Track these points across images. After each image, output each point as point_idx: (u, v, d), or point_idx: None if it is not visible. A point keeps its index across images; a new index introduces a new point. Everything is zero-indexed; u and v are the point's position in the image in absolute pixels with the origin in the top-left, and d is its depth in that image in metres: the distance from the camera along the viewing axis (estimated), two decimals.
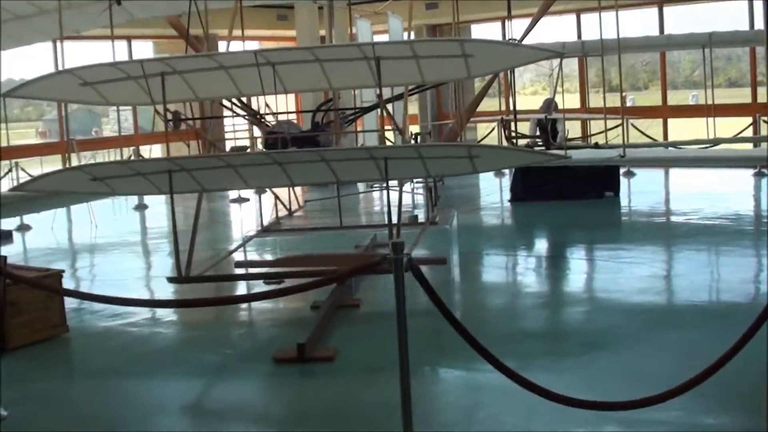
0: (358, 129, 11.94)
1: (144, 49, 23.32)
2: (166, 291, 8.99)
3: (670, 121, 21.54)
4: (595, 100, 30.98)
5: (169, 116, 7.55)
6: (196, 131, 9.10)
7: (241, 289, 9.05)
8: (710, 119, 15.30)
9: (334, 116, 9.64)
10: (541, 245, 11.98)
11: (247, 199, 17.05)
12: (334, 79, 7.60)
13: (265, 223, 10.41)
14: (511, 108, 15.95)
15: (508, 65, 7.69)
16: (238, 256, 9.28)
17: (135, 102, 7.56)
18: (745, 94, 20.57)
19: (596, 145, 15.06)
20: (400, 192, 8.06)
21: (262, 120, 9.76)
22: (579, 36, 21.50)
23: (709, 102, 15.50)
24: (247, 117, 9.77)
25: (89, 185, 6.93)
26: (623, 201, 14.74)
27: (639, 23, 21.48)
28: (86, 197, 12.76)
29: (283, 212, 10.29)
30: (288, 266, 8.31)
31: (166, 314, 8.17)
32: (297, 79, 7.53)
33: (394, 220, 7.51)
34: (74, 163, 14.59)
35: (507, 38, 11.31)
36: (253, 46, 21.13)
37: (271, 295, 6.30)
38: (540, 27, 20.73)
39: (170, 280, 7.49)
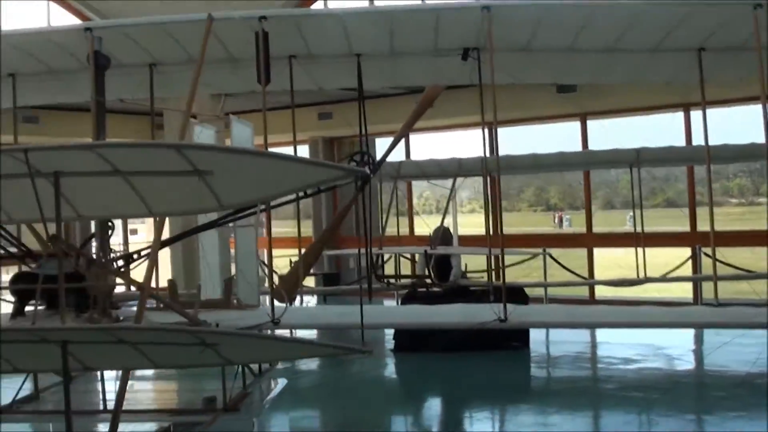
0: None
1: None
2: None
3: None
4: (533, 219, 28.16)
5: None
6: None
7: None
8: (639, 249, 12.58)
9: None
10: (428, 426, 8.62)
11: None
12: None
13: None
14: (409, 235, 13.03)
15: (276, 190, 4.82)
16: None
17: None
18: (684, 215, 17.32)
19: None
20: (124, 378, 5.03)
21: None
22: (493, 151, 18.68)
23: (639, 230, 12.82)
24: None
25: None
26: (534, 353, 11.46)
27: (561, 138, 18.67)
28: None
29: None
30: None
31: None
32: None
33: None
34: None
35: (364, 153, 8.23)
36: None
37: None
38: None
39: None
